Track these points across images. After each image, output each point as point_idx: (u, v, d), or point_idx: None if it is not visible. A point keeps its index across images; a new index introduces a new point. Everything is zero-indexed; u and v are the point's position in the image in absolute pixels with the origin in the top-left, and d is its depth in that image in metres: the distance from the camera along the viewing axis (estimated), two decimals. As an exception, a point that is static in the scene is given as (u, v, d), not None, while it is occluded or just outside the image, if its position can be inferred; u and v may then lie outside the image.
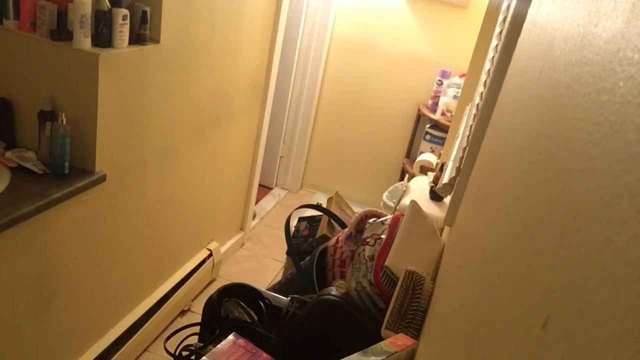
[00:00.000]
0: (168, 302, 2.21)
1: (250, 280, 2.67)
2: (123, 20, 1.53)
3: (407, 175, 3.12)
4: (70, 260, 1.60)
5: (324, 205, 1.76)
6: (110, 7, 1.50)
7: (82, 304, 1.73)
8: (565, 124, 0.40)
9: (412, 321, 0.96)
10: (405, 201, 1.91)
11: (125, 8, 1.54)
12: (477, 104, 1.40)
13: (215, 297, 1.13)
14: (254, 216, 3.19)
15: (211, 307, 1.12)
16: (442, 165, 2.01)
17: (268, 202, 3.58)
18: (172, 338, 1.07)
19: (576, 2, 0.50)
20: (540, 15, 0.80)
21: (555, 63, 0.52)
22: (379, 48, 3.37)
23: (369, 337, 0.93)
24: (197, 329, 1.13)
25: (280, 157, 3.74)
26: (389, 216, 1.36)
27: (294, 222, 1.75)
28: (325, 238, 1.61)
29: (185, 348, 1.04)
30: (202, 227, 2.46)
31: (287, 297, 1.19)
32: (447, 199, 1.75)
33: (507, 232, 0.50)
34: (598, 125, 0.31)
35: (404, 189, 2.15)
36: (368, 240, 1.23)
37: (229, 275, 2.70)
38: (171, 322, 2.27)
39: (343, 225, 1.65)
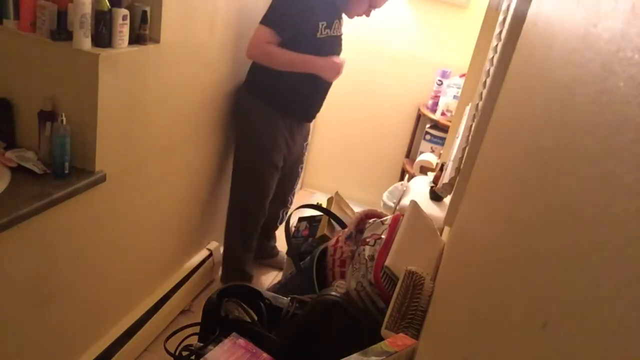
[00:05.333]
0: (168, 302, 2.21)
1: (252, 278, 2.67)
2: (123, 20, 1.53)
3: (407, 175, 3.12)
4: (70, 260, 1.60)
5: (324, 205, 1.77)
6: (110, 7, 1.50)
7: (82, 304, 1.73)
8: (565, 124, 0.40)
9: (412, 321, 0.96)
10: (405, 201, 1.91)
11: (125, 8, 1.54)
12: (477, 104, 1.40)
13: (215, 297, 1.13)
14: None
15: (211, 307, 1.12)
16: (442, 165, 2.01)
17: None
18: (172, 338, 1.07)
19: (576, 2, 0.50)
20: (540, 15, 0.80)
21: (555, 63, 0.52)
22: (379, 48, 3.37)
23: (369, 337, 0.93)
24: (197, 329, 1.13)
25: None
26: (389, 216, 1.36)
27: (294, 222, 1.75)
28: (325, 238, 1.61)
29: (185, 348, 1.04)
30: (202, 227, 2.46)
31: (287, 297, 1.19)
32: (447, 199, 1.75)
33: (507, 232, 0.50)
34: (598, 125, 0.31)
35: (404, 189, 2.15)
36: (368, 240, 1.23)
37: (229, 275, 2.70)
38: (171, 322, 2.27)
39: (343, 225, 1.65)
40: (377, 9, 2.28)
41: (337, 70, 2.25)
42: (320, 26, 2.15)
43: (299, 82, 2.21)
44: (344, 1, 2.22)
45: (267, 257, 2.79)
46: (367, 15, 2.31)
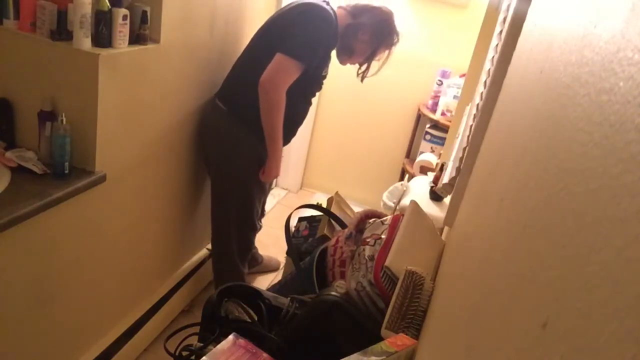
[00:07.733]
0: (168, 302, 2.21)
1: (250, 281, 2.67)
2: (123, 20, 1.53)
3: (407, 175, 3.12)
4: (71, 260, 1.60)
5: (324, 205, 1.77)
6: (110, 7, 1.50)
7: (82, 304, 1.73)
8: (565, 124, 0.40)
9: (412, 321, 0.96)
10: (405, 201, 1.91)
11: (125, 8, 1.54)
12: (477, 104, 1.40)
13: (215, 297, 1.13)
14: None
15: (211, 307, 1.12)
16: (442, 165, 2.01)
17: (268, 202, 3.57)
18: (172, 338, 1.07)
19: (576, 2, 0.50)
20: (540, 15, 0.80)
21: (555, 63, 0.52)
22: (379, 48, 3.37)
23: (369, 337, 0.93)
24: (197, 329, 1.13)
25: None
26: (389, 216, 1.36)
27: (294, 222, 1.75)
28: (325, 238, 1.61)
29: (185, 348, 1.04)
30: (202, 227, 2.46)
31: (287, 297, 1.19)
32: (447, 199, 1.75)
33: (507, 232, 0.50)
34: (598, 125, 0.31)
35: (404, 189, 2.15)
36: (368, 240, 1.23)
37: (229, 275, 2.69)
38: (171, 322, 2.27)
39: (343, 225, 1.65)
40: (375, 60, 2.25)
41: (277, 173, 2.11)
42: (327, 64, 2.08)
43: (296, 114, 2.14)
44: (345, 48, 2.12)
45: (254, 265, 2.72)
46: (367, 67, 2.23)
